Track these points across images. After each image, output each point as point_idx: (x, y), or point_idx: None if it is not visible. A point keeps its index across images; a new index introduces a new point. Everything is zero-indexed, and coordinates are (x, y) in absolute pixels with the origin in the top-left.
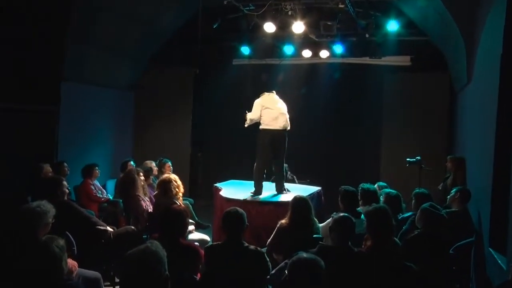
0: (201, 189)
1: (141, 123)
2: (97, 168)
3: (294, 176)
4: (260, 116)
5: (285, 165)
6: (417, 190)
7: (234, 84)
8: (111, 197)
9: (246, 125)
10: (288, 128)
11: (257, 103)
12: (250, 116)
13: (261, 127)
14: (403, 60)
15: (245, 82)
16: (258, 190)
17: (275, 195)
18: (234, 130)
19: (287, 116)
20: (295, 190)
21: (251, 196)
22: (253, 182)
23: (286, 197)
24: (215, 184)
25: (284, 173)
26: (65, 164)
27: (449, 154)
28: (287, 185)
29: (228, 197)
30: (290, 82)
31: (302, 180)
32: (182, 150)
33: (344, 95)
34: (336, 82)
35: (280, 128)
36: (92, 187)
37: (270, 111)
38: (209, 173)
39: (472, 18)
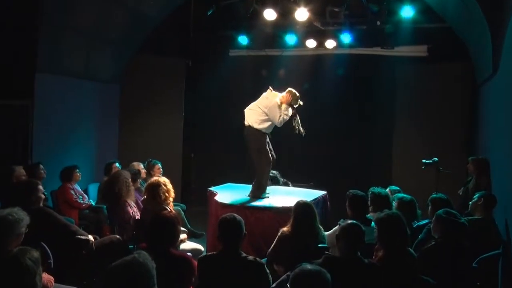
0: (194, 193)
1: (127, 120)
2: (77, 170)
3: (288, 181)
4: None
5: (275, 172)
6: (434, 195)
7: (230, 77)
8: (93, 203)
9: None
10: (250, 124)
11: None
12: None
13: None
14: (419, 50)
15: (242, 75)
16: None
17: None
18: (231, 128)
19: (255, 111)
20: (298, 195)
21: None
22: (251, 185)
23: (288, 202)
24: (210, 188)
25: (260, 176)
26: (41, 166)
27: (471, 155)
28: (282, 189)
29: (224, 203)
30: (292, 76)
31: (306, 183)
32: (173, 151)
33: (352, 90)
34: (344, 75)
35: (244, 125)
36: (72, 192)
37: None
38: (203, 176)
39: (498, 1)
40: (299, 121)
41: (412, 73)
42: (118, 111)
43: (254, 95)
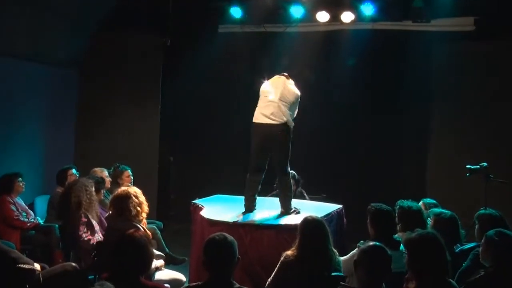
0: (174, 207)
1: (87, 114)
2: (20, 179)
3: (304, 191)
4: None
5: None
6: (483, 211)
7: (220, 60)
8: (41, 222)
9: None
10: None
11: None
12: None
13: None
14: (463, 24)
15: (235, 56)
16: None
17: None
18: (220, 125)
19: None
20: (306, 209)
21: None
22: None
23: (293, 219)
24: (194, 201)
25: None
26: None
27: None
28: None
29: (212, 219)
30: (299, 57)
31: (316, 194)
32: (147, 153)
33: (376, 75)
34: (365, 56)
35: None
36: (13, 207)
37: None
38: (185, 185)
39: None
40: None
41: (455, 53)
42: (75, 103)
43: (250, 82)
